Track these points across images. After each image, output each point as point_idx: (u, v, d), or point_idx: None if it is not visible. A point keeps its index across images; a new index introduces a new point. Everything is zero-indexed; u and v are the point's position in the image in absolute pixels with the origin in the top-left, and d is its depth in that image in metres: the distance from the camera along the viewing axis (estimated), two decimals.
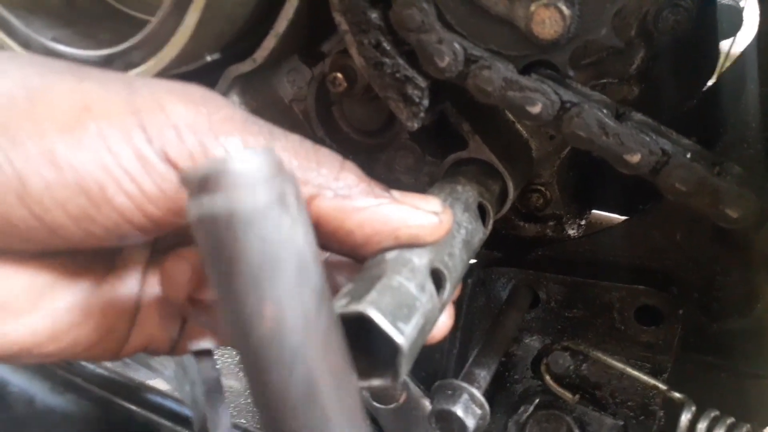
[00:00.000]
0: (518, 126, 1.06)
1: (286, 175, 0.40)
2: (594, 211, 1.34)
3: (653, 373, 1.01)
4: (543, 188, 1.13)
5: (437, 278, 0.62)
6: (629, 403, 1.02)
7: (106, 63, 0.86)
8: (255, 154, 0.38)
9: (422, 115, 0.86)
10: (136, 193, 0.46)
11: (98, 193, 0.45)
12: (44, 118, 0.45)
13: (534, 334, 1.06)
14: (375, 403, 0.92)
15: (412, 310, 0.53)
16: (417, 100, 0.84)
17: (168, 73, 0.91)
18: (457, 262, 0.67)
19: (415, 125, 0.87)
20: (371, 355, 0.51)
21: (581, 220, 1.24)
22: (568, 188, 1.17)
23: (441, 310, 0.60)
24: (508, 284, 1.07)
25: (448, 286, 0.63)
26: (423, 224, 0.61)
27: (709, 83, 1.16)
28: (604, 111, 0.77)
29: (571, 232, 1.17)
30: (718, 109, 1.07)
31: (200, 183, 0.38)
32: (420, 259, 0.60)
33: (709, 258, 0.95)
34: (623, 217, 1.38)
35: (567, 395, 0.96)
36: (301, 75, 1.04)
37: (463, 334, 1.07)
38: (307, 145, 0.56)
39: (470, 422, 0.75)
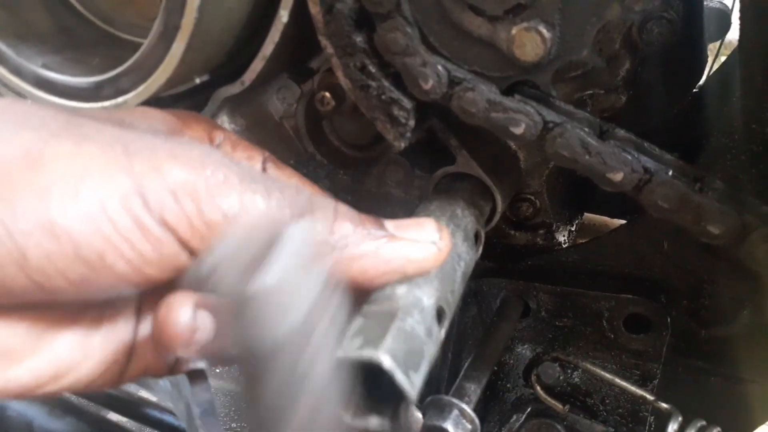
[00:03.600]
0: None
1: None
2: (587, 214, 1.36)
3: (643, 380, 1.02)
4: (532, 197, 1.15)
5: (439, 316, 0.63)
6: (619, 410, 1.04)
7: (97, 89, 0.87)
8: None
9: (408, 135, 0.87)
10: (135, 258, 0.48)
11: (98, 260, 0.47)
12: (43, 186, 0.46)
13: (525, 343, 1.08)
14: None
15: (422, 358, 0.54)
16: (403, 120, 0.85)
17: (158, 96, 0.93)
18: (456, 297, 0.69)
19: (402, 145, 0.89)
20: (371, 391, 0.52)
21: (572, 226, 1.26)
22: (557, 196, 1.19)
23: (438, 347, 0.62)
24: (499, 295, 1.08)
25: (446, 324, 0.64)
26: (425, 257, 0.62)
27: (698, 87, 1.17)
28: (587, 130, 0.78)
29: (561, 239, 1.19)
30: (704, 115, 1.08)
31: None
32: (428, 299, 0.61)
33: (696, 266, 0.97)
34: (615, 221, 1.41)
35: (557, 405, 0.98)
36: (291, 92, 1.05)
37: (455, 344, 1.09)
38: (303, 198, 0.57)
39: None
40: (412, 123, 0.86)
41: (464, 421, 0.78)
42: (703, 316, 1.00)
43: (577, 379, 1.04)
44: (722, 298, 0.97)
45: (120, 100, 0.86)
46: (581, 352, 1.06)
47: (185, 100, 1.01)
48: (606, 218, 1.44)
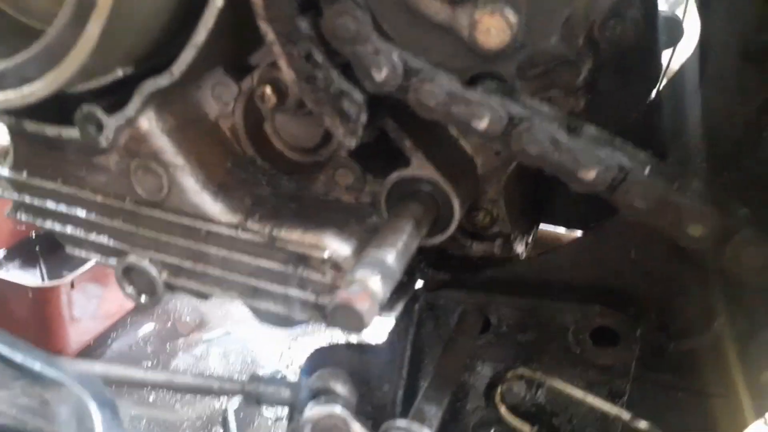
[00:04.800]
0: (462, 142, 0.99)
1: None
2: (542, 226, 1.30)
3: (611, 397, 0.96)
4: (489, 206, 1.07)
5: None
6: (588, 430, 0.97)
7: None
8: None
9: (360, 132, 0.79)
10: None
11: None
12: None
13: (486, 360, 1.00)
14: None
15: None
16: (354, 116, 0.77)
17: (71, 87, 0.81)
18: None
19: (353, 143, 0.80)
20: None
21: (529, 236, 1.19)
22: (514, 205, 1.12)
23: None
24: (457, 309, 1.00)
25: None
26: None
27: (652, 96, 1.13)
28: (556, 125, 0.71)
29: (519, 249, 1.12)
30: (665, 122, 1.03)
31: None
32: None
33: (666, 275, 0.91)
34: (572, 233, 1.35)
35: (524, 427, 0.90)
36: (228, 89, 0.95)
37: (411, 362, 1.00)
38: None
39: None
40: (364, 118, 0.77)
41: None
42: (673, 328, 0.95)
43: (542, 398, 0.96)
44: (693, 308, 0.92)
45: (25, 90, 0.75)
46: (545, 369, 0.99)
47: (107, 96, 0.90)
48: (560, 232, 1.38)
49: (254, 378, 0.96)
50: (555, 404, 0.97)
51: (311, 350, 1.08)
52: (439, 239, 0.95)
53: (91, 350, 2.61)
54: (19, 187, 1.00)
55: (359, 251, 0.91)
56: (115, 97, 0.90)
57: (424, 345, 1.02)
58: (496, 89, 0.73)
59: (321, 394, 0.90)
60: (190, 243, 0.94)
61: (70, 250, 1.03)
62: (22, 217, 1.03)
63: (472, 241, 1.09)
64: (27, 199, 0.99)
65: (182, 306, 2.91)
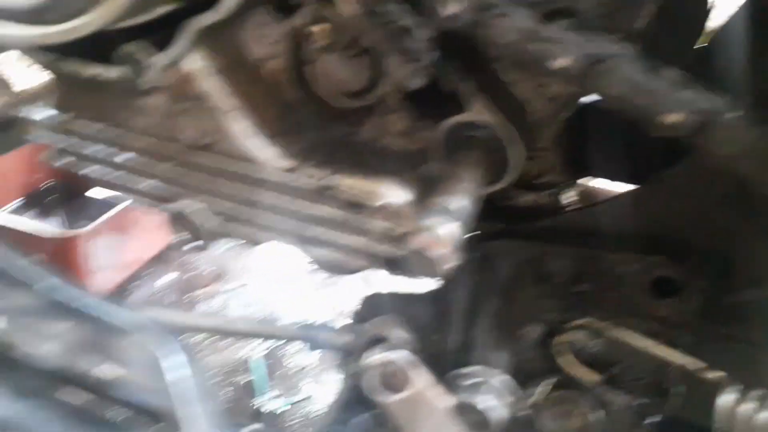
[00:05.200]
0: (514, 87, 0.95)
1: None
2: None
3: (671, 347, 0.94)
4: (539, 155, 1.04)
5: None
6: (646, 381, 0.95)
7: (38, 14, 0.71)
8: None
9: (424, 72, 0.75)
10: None
11: None
12: None
13: (540, 311, 0.98)
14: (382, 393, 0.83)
15: None
16: (419, 55, 0.73)
17: (113, 26, 0.77)
18: None
19: (417, 84, 0.76)
20: None
21: (573, 188, 1.16)
22: (563, 154, 1.08)
23: None
24: (512, 259, 0.97)
25: None
26: None
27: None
28: (637, 66, 0.67)
29: (565, 201, 1.09)
30: (709, 74, 0.99)
31: None
32: None
33: (728, 227, 0.88)
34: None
35: (591, 376, 0.88)
36: (273, 29, 0.91)
37: (465, 314, 0.98)
38: None
39: (504, 411, 0.66)
40: (429, 57, 0.73)
41: (505, 392, 0.68)
42: (733, 280, 0.92)
43: (600, 349, 0.94)
44: (755, 261, 0.89)
45: (69, 25, 0.70)
46: (601, 320, 0.97)
47: (144, 35, 0.85)
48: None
49: (311, 325, 0.95)
50: (612, 355, 0.95)
51: (362, 297, 1.06)
52: (496, 187, 0.91)
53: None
54: (60, 130, 0.97)
55: (416, 198, 0.88)
56: (151, 36, 0.86)
57: (477, 297, 1.00)
58: (572, 26, 0.69)
59: (380, 341, 0.89)
60: (241, 188, 0.91)
61: (117, 197, 1.00)
62: (63, 162, 0.99)
63: (518, 191, 1.06)
64: (69, 143, 0.96)
65: (200, 257, 2.90)
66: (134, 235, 2.66)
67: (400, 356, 0.82)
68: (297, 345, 2.48)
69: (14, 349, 0.86)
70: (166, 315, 0.94)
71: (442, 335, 1.02)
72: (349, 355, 0.92)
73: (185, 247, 0.98)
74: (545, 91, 0.94)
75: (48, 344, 0.78)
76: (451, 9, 0.68)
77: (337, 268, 1.00)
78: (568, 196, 1.07)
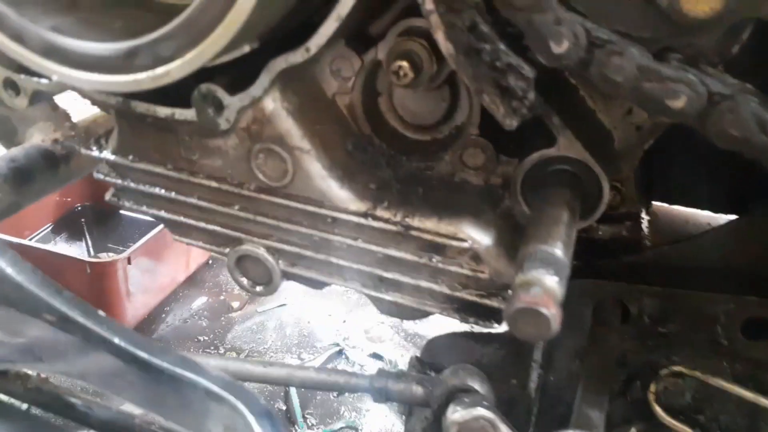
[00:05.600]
0: (600, 115, 0.91)
1: None
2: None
3: (762, 393, 0.89)
4: (619, 184, 1.00)
5: None
6: (735, 429, 0.90)
7: (128, 58, 0.68)
8: None
9: (525, 111, 0.71)
10: None
11: None
12: None
13: (625, 353, 0.93)
14: None
15: None
16: (521, 93, 0.69)
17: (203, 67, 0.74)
18: None
19: (514, 123, 0.72)
20: None
21: (647, 216, 1.11)
22: (641, 182, 1.04)
23: None
24: (593, 299, 0.93)
25: None
26: None
27: None
28: (760, 104, 0.63)
29: (646, 230, 1.04)
30: None
31: None
32: None
33: None
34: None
35: (683, 426, 0.83)
36: (348, 63, 0.87)
37: (544, 359, 0.94)
38: None
39: None
40: (531, 96, 0.69)
41: None
42: None
43: (690, 395, 0.90)
44: None
45: (160, 71, 0.67)
46: (688, 361, 0.92)
47: (223, 73, 0.82)
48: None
49: (382, 373, 0.90)
50: (700, 400, 0.91)
51: (420, 328, 1.02)
52: (583, 224, 0.87)
53: (147, 324, 2.59)
54: (123, 171, 0.93)
55: (498, 240, 0.84)
56: (231, 74, 0.83)
57: (556, 340, 0.95)
58: (689, 62, 0.65)
59: (459, 392, 0.84)
60: (313, 231, 0.87)
61: (177, 237, 0.97)
62: (126, 203, 0.96)
63: (599, 224, 1.01)
64: (132, 184, 0.93)
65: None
66: (168, 257, 2.64)
67: (485, 413, 0.77)
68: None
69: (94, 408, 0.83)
70: (222, 364, 0.90)
71: (518, 380, 0.98)
72: (422, 406, 0.88)
73: (250, 292, 0.95)
74: (633, 119, 0.90)
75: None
76: (557, 48, 0.64)
77: (407, 313, 0.96)
78: (647, 226, 1.03)
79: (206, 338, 2.55)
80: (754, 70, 0.90)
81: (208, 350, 2.48)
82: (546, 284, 0.64)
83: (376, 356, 2.48)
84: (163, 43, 0.66)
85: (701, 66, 0.65)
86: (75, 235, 3.05)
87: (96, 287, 2.34)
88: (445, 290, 0.85)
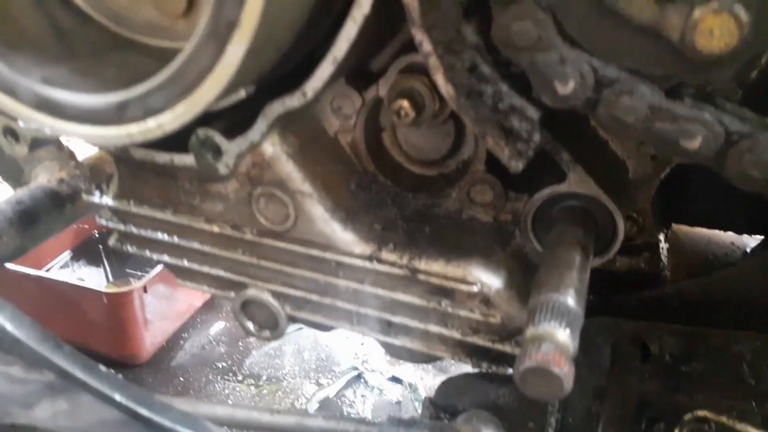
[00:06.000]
0: (613, 145, 0.88)
1: None
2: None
3: None
4: (636, 214, 0.96)
5: None
6: None
7: (119, 110, 0.66)
8: None
9: (530, 152, 0.68)
10: None
11: None
12: None
13: (645, 393, 0.89)
14: None
15: None
16: (525, 135, 0.66)
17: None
18: None
19: (520, 166, 0.69)
20: None
21: (666, 243, 1.07)
22: (659, 212, 1.00)
23: None
24: (611, 337, 0.89)
25: None
26: None
27: None
28: None
29: (665, 261, 1.00)
30: None
31: None
32: None
33: None
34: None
35: None
36: (349, 101, 0.85)
37: (562, 400, 0.90)
38: None
39: None
40: (537, 138, 0.66)
41: None
42: None
43: None
44: None
45: (152, 123, 0.65)
46: (713, 403, 0.87)
47: (221, 118, 0.80)
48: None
49: (392, 421, 0.87)
50: None
51: (442, 380, 0.98)
52: (598, 262, 0.83)
53: (165, 351, 2.58)
54: (124, 216, 0.92)
55: (509, 282, 0.81)
56: (229, 118, 0.81)
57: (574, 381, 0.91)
58: (704, 99, 0.61)
59: None
60: (317, 275, 0.84)
61: (182, 282, 0.95)
62: (129, 248, 0.95)
63: (615, 255, 0.97)
64: (134, 229, 0.91)
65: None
66: None
67: None
68: (353, 395, 2.40)
69: None
70: (239, 414, 0.87)
71: (535, 423, 0.94)
72: None
73: (256, 337, 0.92)
74: (647, 149, 0.86)
75: None
76: (563, 89, 0.60)
77: (415, 357, 0.93)
78: (665, 256, 0.98)
79: (224, 364, 2.54)
80: None
81: (226, 376, 2.46)
82: (557, 339, 0.61)
83: (396, 380, 2.44)
84: (153, 95, 0.64)
85: (717, 101, 0.62)
86: (93, 261, 3.06)
87: (113, 317, 2.34)
88: (456, 335, 0.82)
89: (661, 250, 0.99)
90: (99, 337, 2.41)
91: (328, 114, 0.86)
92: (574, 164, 0.78)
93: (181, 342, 2.65)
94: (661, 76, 0.61)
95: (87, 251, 3.04)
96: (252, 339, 2.70)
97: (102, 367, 0.75)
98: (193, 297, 2.74)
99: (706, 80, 0.60)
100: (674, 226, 1.16)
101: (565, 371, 0.58)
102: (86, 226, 3.02)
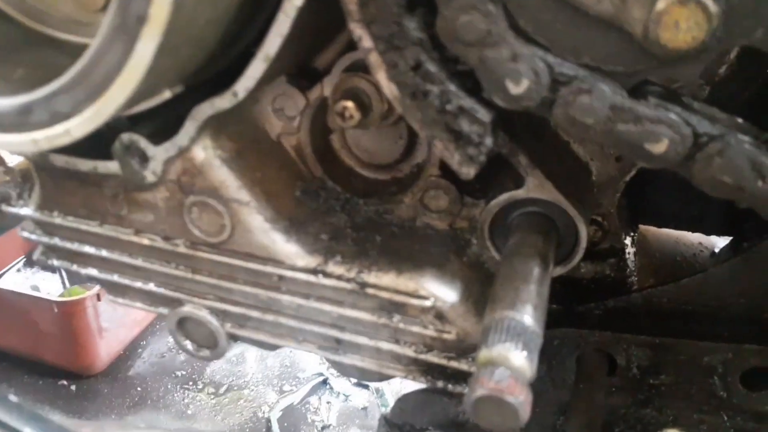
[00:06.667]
0: (574, 146, 0.82)
1: None
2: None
3: None
4: (600, 218, 0.91)
5: None
6: None
7: (22, 114, 0.59)
8: None
9: (482, 158, 0.62)
10: None
11: None
12: None
13: (613, 408, 0.84)
14: None
15: None
16: (476, 139, 0.60)
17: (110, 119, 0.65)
18: None
19: (471, 173, 0.63)
20: None
21: (633, 246, 1.02)
22: (625, 215, 0.95)
23: None
24: (576, 350, 0.84)
25: None
26: None
27: None
28: (754, 144, 0.54)
29: (632, 266, 0.96)
30: None
31: None
32: None
33: None
34: None
35: None
36: (292, 101, 0.78)
37: None
38: None
39: None
40: (489, 142, 0.61)
41: None
42: None
43: None
44: None
45: (59, 129, 0.58)
46: (683, 416, 0.83)
47: (147, 121, 0.73)
48: None
49: None
50: None
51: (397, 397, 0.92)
52: (560, 271, 0.78)
53: (122, 361, 2.48)
54: (48, 228, 0.84)
55: (465, 295, 0.75)
56: (157, 121, 0.74)
57: (536, 391, 0.86)
58: (668, 98, 0.56)
59: None
60: (258, 290, 0.78)
61: (113, 299, 0.87)
62: (55, 262, 0.87)
63: (581, 262, 0.92)
64: (59, 242, 0.84)
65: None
66: None
67: None
68: (317, 401, 2.34)
69: None
70: None
71: None
72: None
73: (195, 356, 0.85)
74: (611, 150, 0.82)
75: None
76: (516, 88, 0.55)
77: (367, 376, 0.87)
78: (633, 260, 0.94)
79: (184, 373, 2.44)
80: (744, 86, 0.82)
81: (186, 386, 2.37)
82: (513, 363, 0.55)
83: (362, 385, 2.38)
84: (58, 97, 0.56)
85: (684, 100, 0.56)
86: (49, 267, 2.93)
87: (66, 326, 2.23)
88: (409, 353, 0.76)
89: (627, 255, 0.94)
90: (52, 347, 2.30)
91: (269, 115, 0.79)
92: (532, 168, 0.73)
93: (140, 350, 2.55)
94: (622, 74, 0.55)
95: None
96: None
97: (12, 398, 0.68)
98: None
99: (671, 77, 0.55)
100: (641, 227, 1.12)
101: (520, 400, 0.52)
102: None
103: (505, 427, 0.54)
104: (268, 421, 2.23)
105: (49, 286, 2.78)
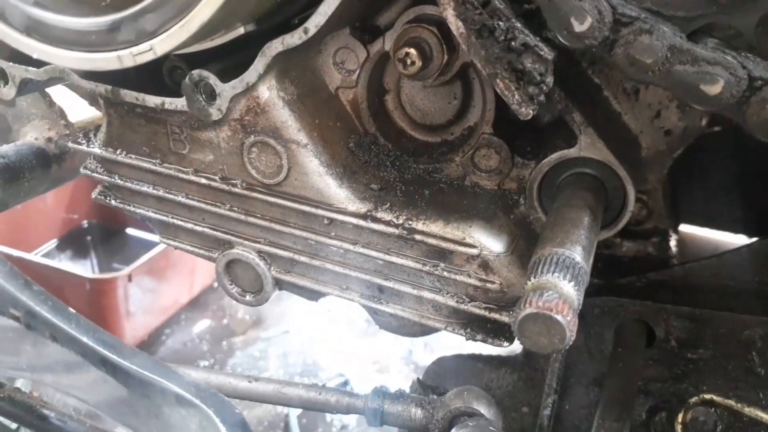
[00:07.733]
0: (626, 118, 0.84)
1: None
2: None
3: None
4: (645, 197, 0.92)
5: None
6: None
7: (110, 33, 0.63)
8: None
9: (542, 98, 0.64)
10: None
11: None
12: None
13: (647, 379, 0.85)
14: None
15: None
16: (538, 77, 0.62)
17: (189, 47, 0.68)
18: None
19: (531, 112, 0.65)
20: None
21: (677, 236, 1.03)
22: (670, 197, 0.96)
23: None
24: (615, 320, 0.85)
25: None
26: None
27: None
28: None
29: (674, 250, 0.97)
30: None
31: None
32: None
33: None
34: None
35: None
36: (353, 55, 0.81)
37: (559, 384, 0.85)
38: None
39: None
40: (549, 81, 0.63)
41: None
42: None
43: (721, 426, 0.81)
44: None
45: (143, 46, 0.61)
46: (719, 391, 0.83)
47: (220, 58, 0.77)
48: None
49: (378, 393, 0.82)
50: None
51: (432, 359, 0.94)
52: (605, 235, 0.79)
53: (145, 347, 2.51)
54: (111, 166, 0.88)
55: (511, 247, 0.77)
56: (227, 60, 0.78)
57: (573, 363, 0.87)
58: (726, 44, 0.58)
59: (463, 416, 0.76)
60: (308, 234, 0.80)
61: (165, 240, 0.90)
62: (113, 202, 0.90)
63: (623, 240, 0.94)
64: (119, 180, 0.87)
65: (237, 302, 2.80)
66: (172, 277, 2.57)
67: None
68: None
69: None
70: (215, 379, 0.82)
71: (530, 408, 0.89)
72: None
73: (239, 301, 0.88)
74: (662, 123, 0.83)
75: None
76: (580, 26, 0.57)
77: (405, 328, 0.88)
78: (675, 245, 0.95)
79: (206, 363, 2.47)
80: None
81: None
82: (562, 290, 0.57)
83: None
84: (146, 15, 0.60)
85: (740, 50, 0.58)
86: (80, 252, 3.00)
87: (95, 305, 2.28)
88: (450, 302, 0.77)
89: (670, 238, 0.95)
90: None
91: (329, 68, 0.82)
92: (585, 126, 0.75)
93: (163, 338, 2.58)
94: (682, 18, 0.57)
95: (74, 242, 2.98)
96: (237, 339, 2.64)
97: (71, 310, 0.71)
98: (179, 292, 2.68)
99: (730, 24, 0.57)
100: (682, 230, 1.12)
101: (568, 319, 0.54)
102: (76, 216, 2.96)
103: (552, 348, 0.55)
104: (287, 416, 2.24)
105: (79, 271, 2.83)
